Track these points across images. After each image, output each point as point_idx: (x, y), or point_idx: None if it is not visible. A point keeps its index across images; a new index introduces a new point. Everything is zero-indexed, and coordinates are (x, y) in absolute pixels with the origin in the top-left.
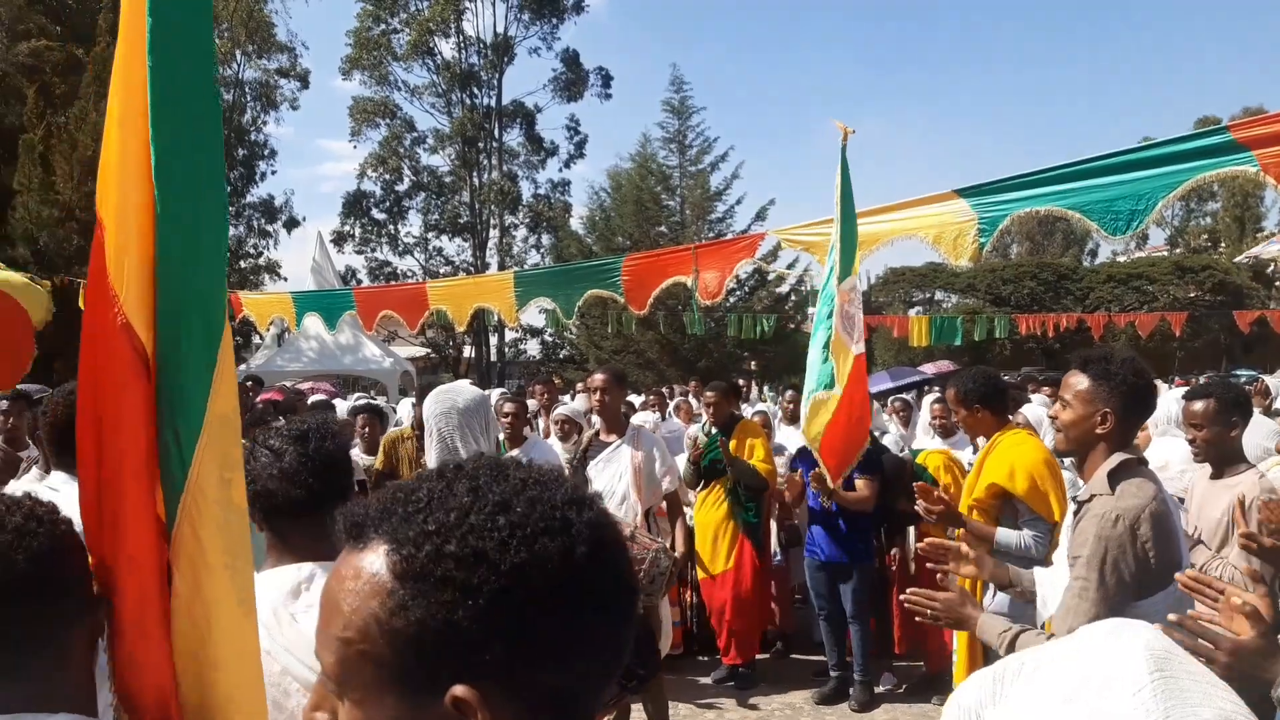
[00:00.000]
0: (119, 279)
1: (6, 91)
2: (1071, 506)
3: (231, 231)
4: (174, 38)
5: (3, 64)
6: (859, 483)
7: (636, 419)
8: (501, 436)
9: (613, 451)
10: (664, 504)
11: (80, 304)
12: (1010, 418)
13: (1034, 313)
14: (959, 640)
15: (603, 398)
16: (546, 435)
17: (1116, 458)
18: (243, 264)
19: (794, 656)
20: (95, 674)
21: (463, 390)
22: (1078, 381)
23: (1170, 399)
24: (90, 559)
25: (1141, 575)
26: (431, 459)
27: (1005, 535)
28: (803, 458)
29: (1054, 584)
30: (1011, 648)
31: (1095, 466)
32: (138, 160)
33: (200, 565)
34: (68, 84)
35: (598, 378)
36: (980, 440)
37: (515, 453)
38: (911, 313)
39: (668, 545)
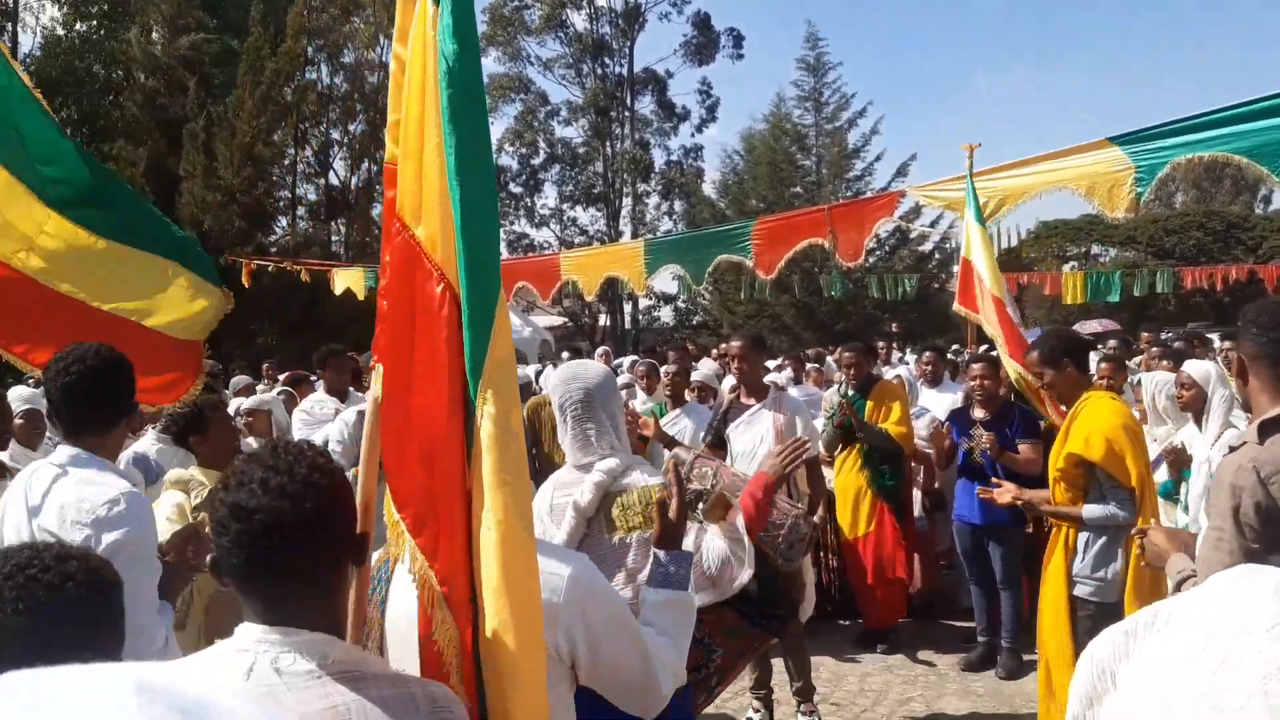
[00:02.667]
0: (445, 258)
1: (170, 84)
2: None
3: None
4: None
5: (165, 58)
6: (1023, 447)
7: (769, 378)
8: (665, 395)
9: (753, 415)
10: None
11: (244, 281)
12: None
13: (1200, 265)
14: (1045, 609)
15: (740, 364)
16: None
17: (1277, 410)
18: None
19: (941, 622)
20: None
21: (589, 370)
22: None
23: None
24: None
25: (1273, 528)
26: (567, 441)
27: (1090, 510)
28: (954, 420)
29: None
30: (1178, 588)
31: (1257, 415)
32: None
33: (488, 484)
34: (225, 74)
35: (735, 344)
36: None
37: (676, 413)
38: (1065, 269)
39: (805, 511)
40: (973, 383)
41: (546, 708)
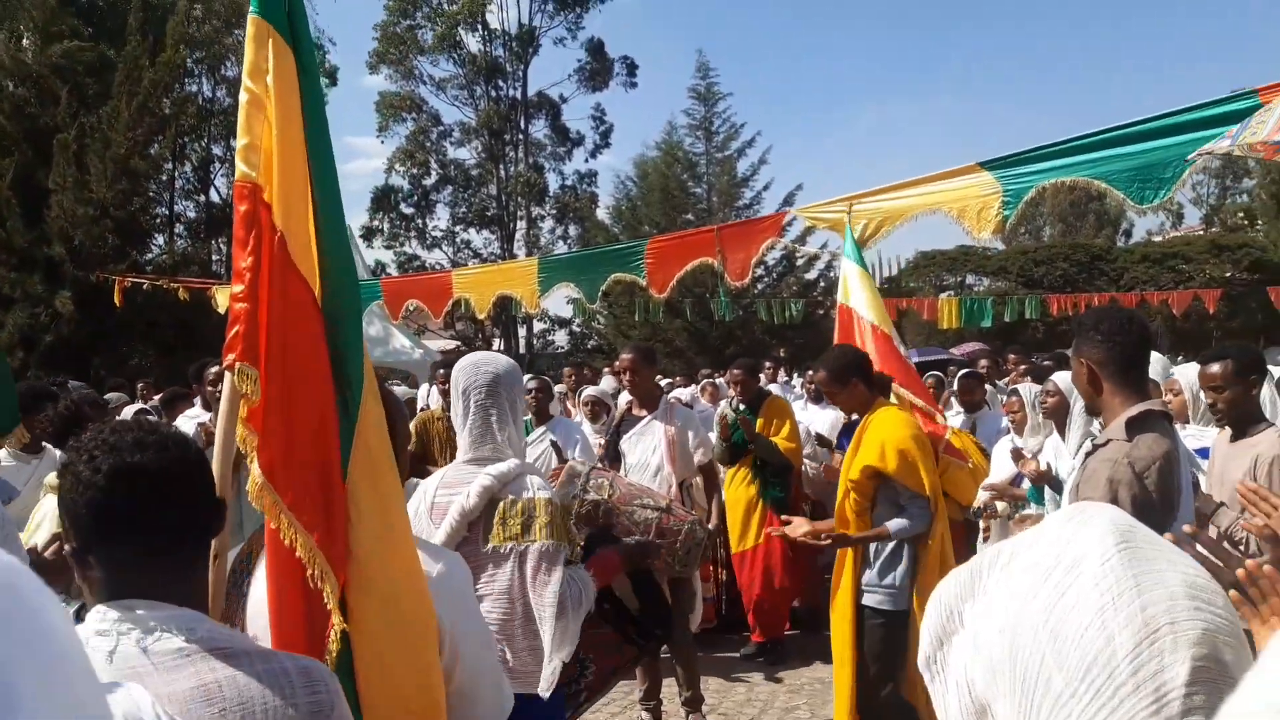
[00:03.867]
0: (310, 273)
1: (41, 92)
2: (1086, 446)
3: None
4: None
5: (36, 66)
6: None
7: (672, 395)
8: (527, 415)
9: (645, 425)
10: (699, 477)
11: (117, 300)
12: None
13: (1066, 294)
14: (835, 618)
15: (632, 377)
16: (569, 415)
17: (1138, 408)
18: None
19: (825, 634)
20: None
21: (498, 359)
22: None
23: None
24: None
25: (1145, 518)
26: (465, 429)
27: (896, 524)
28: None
29: None
30: None
31: (1113, 416)
32: (303, 182)
33: (370, 486)
34: (100, 83)
35: (624, 357)
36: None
37: (540, 430)
38: (942, 296)
39: (702, 518)
40: None
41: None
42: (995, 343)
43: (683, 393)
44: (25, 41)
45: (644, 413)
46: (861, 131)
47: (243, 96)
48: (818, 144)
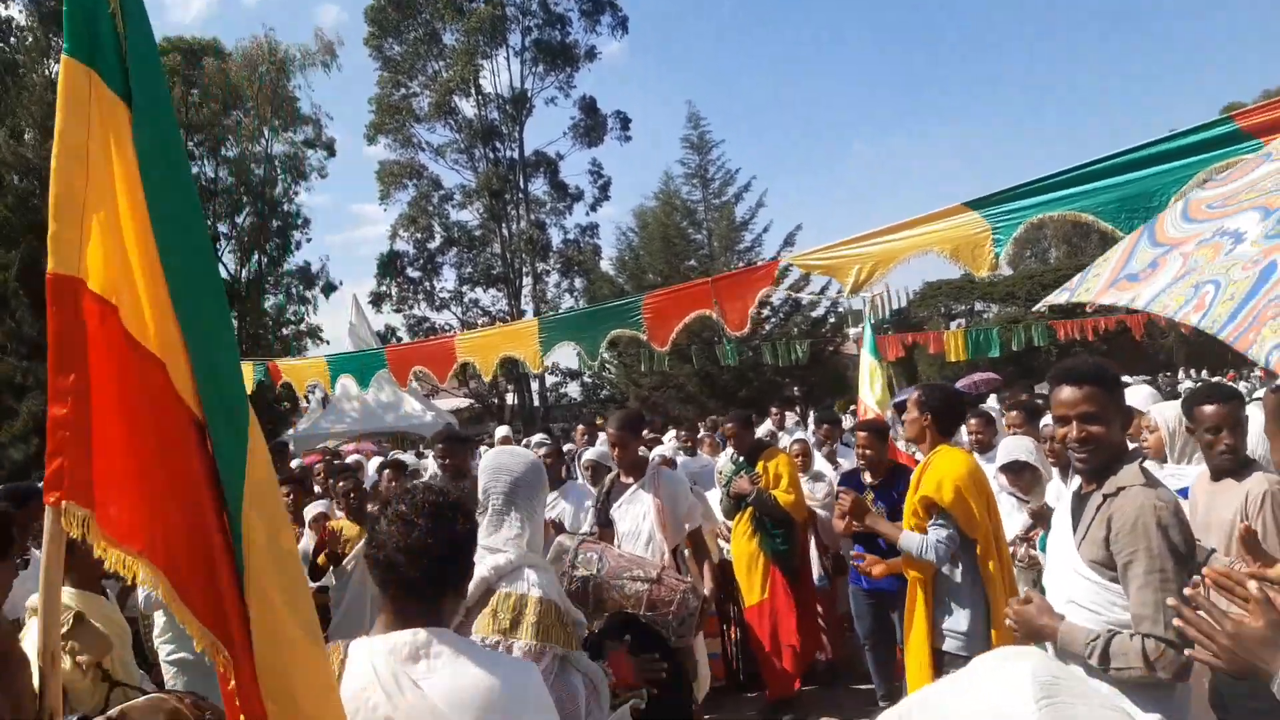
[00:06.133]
0: (183, 385)
1: (44, 185)
2: (1067, 494)
3: (271, 300)
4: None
5: (37, 159)
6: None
7: (654, 453)
8: None
9: (632, 494)
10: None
11: None
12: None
13: (1076, 318)
14: (910, 664)
15: (620, 451)
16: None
17: (1137, 455)
18: (284, 330)
19: (849, 688)
20: None
21: (516, 462)
22: (1093, 393)
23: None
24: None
25: (1190, 558)
26: (483, 521)
27: (908, 539)
28: (846, 482)
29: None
30: (1105, 656)
31: (1116, 460)
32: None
33: (266, 606)
34: None
35: (609, 431)
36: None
37: (553, 496)
38: (952, 325)
39: (695, 585)
40: (857, 451)
41: None
42: (1008, 370)
43: (665, 449)
44: (27, 136)
45: (631, 480)
46: (855, 167)
47: (53, 169)
48: (815, 182)
